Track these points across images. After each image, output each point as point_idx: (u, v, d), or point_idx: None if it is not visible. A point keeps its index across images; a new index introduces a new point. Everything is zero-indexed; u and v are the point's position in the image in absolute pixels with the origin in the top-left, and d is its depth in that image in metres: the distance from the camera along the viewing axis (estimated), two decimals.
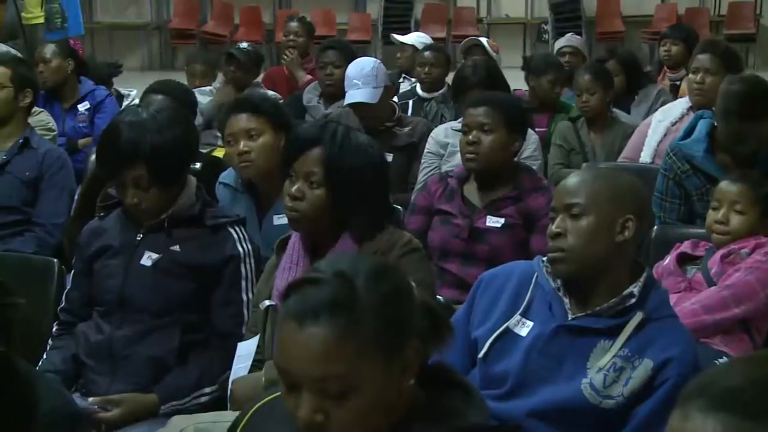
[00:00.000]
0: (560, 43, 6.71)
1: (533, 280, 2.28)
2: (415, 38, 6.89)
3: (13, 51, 5.44)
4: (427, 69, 5.78)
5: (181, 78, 5.69)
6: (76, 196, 3.87)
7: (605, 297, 2.18)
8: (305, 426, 1.41)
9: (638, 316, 2.15)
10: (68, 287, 2.89)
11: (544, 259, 2.29)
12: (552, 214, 2.24)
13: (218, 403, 2.60)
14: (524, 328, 2.23)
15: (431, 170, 4.27)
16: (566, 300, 2.22)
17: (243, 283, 2.73)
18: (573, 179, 2.25)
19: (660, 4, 13.56)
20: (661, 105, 5.38)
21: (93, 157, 4.28)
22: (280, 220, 3.03)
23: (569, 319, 2.20)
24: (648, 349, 2.13)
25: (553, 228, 2.20)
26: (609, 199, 2.19)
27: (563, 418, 2.16)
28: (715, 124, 3.51)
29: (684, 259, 3.14)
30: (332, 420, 1.41)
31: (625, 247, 2.20)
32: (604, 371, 2.13)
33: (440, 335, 1.53)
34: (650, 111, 5.31)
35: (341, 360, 1.39)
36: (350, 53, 5.45)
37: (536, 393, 2.18)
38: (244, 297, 2.72)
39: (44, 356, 2.76)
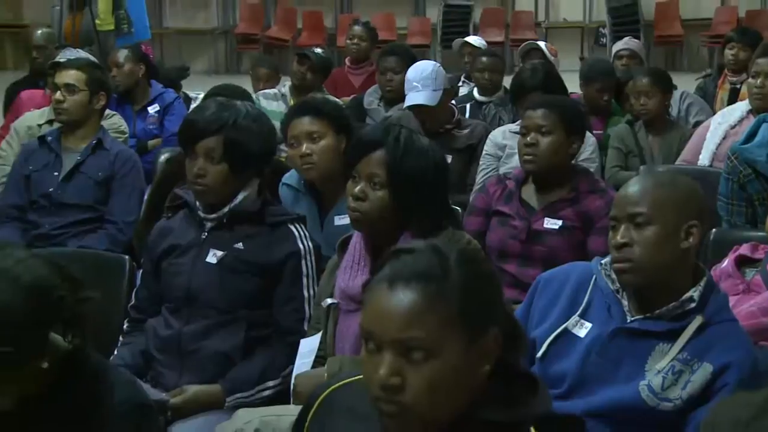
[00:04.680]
0: (618, 46, 6.62)
1: (592, 282, 2.25)
2: (477, 41, 6.89)
3: (89, 56, 5.50)
4: (484, 73, 5.78)
5: (246, 81, 5.73)
6: (145, 196, 3.91)
7: (665, 300, 2.14)
8: (381, 387, 1.42)
9: (698, 320, 2.11)
10: (138, 285, 2.91)
11: (603, 261, 2.26)
12: (613, 223, 2.19)
13: (281, 397, 2.60)
14: (583, 330, 2.21)
15: (489, 172, 4.25)
16: (625, 302, 2.19)
17: (304, 280, 2.73)
18: (634, 187, 2.20)
19: (720, 7, 13.33)
20: (687, 107, 5.34)
21: (162, 157, 4.35)
22: (341, 220, 3.04)
23: (628, 321, 2.17)
24: (707, 353, 2.09)
25: (618, 238, 2.15)
26: (672, 207, 2.14)
27: (620, 419, 2.13)
28: None
29: (742, 262, 3.07)
30: (408, 384, 1.42)
31: (689, 253, 2.16)
32: (663, 374, 2.09)
33: (514, 338, 1.55)
34: (679, 114, 5.31)
35: (425, 325, 1.41)
36: (410, 58, 5.43)
37: (594, 393, 2.15)
38: (306, 293, 2.72)
39: (115, 352, 2.78)
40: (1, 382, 1.58)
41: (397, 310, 1.42)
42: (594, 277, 2.25)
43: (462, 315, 1.43)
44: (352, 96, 6.09)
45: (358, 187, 2.42)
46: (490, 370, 1.48)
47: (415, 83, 4.48)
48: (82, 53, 5.40)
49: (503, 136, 4.34)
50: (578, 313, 2.23)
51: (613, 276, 2.21)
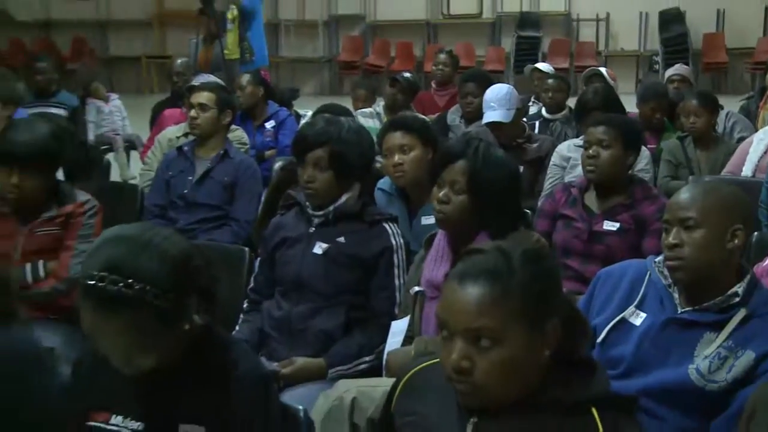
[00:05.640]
0: (670, 71, 6.49)
1: (647, 277, 2.20)
2: (545, 67, 6.83)
3: (218, 80, 5.59)
4: (551, 94, 5.74)
5: (347, 101, 5.75)
6: (262, 198, 3.95)
7: (712, 295, 2.07)
8: (454, 369, 1.43)
9: (741, 312, 2.04)
10: (255, 272, 2.94)
11: (657, 259, 2.21)
12: (666, 226, 2.14)
13: (375, 371, 2.60)
14: (638, 319, 2.16)
15: (555, 180, 4.20)
16: (676, 296, 2.13)
17: (396, 271, 2.72)
18: (685, 194, 2.14)
19: (762, 37, 12.97)
20: (732, 125, 5.23)
21: (277, 165, 4.40)
22: (428, 220, 3.03)
23: (679, 312, 2.11)
24: (751, 342, 2.02)
25: (671, 240, 2.10)
26: (719, 212, 2.08)
27: (671, 398, 2.08)
28: None
29: None
30: (476, 367, 1.42)
31: (734, 253, 2.09)
32: (710, 359, 2.03)
33: (579, 331, 1.54)
34: (724, 131, 5.18)
35: (490, 317, 1.41)
36: (487, 82, 5.39)
37: (647, 375, 2.10)
38: (397, 282, 2.71)
39: (236, 328, 2.81)
40: (151, 340, 1.60)
41: (466, 303, 1.43)
42: (648, 273, 2.21)
43: (524, 308, 1.43)
44: (437, 114, 6.07)
45: (442, 192, 2.42)
46: (550, 356, 1.47)
47: (492, 103, 4.46)
48: (212, 78, 5.50)
49: (568, 149, 4.29)
50: (634, 304, 2.18)
51: (666, 272, 2.16)
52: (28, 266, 3.00)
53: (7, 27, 14.85)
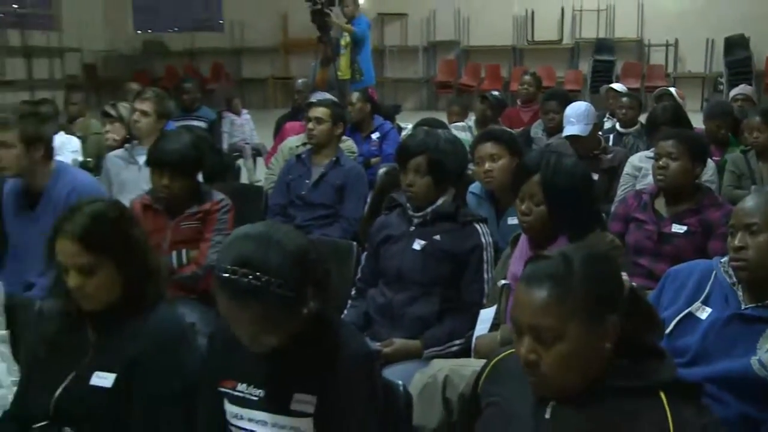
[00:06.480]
0: (735, 91, 6.21)
1: (712, 276, 2.11)
2: (619, 87, 6.64)
3: (332, 98, 5.65)
4: (624, 111, 5.58)
5: (443, 116, 5.71)
6: (368, 200, 3.96)
7: None
8: (523, 361, 1.43)
9: None
10: (362, 264, 2.95)
11: (722, 260, 2.12)
12: (732, 230, 2.06)
13: (465, 353, 2.57)
14: (704, 313, 2.07)
15: (627, 188, 4.07)
16: (740, 293, 2.04)
17: (485, 266, 2.68)
18: (750, 202, 2.06)
19: None
20: None
21: (381, 171, 4.39)
22: (513, 221, 2.97)
23: (742, 308, 2.02)
24: None
25: (736, 243, 2.02)
26: None
27: (733, 386, 1.98)
28: None
29: None
30: (542, 360, 1.41)
31: None
32: None
33: (650, 323, 1.50)
34: None
35: (553, 316, 1.39)
36: (567, 101, 5.26)
37: (712, 364, 2.01)
38: (486, 276, 2.67)
39: (345, 312, 2.82)
40: (274, 324, 1.61)
41: (531, 304, 1.41)
42: (714, 272, 2.12)
43: (583, 307, 1.40)
44: (522, 128, 5.97)
45: (524, 205, 2.36)
46: (611, 348, 1.43)
47: (571, 118, 4.37)
48: (327, 96, 5.55)
49: (639, 160, 4.16)
50: (701, 300, 2.10)
51: (731, 272, 2.08)
52: (174, 254, 3.09)
53: (164, 56, 15.42)
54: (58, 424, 1.83)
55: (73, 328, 1.89)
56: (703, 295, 2.09)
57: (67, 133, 5.32)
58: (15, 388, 2.05)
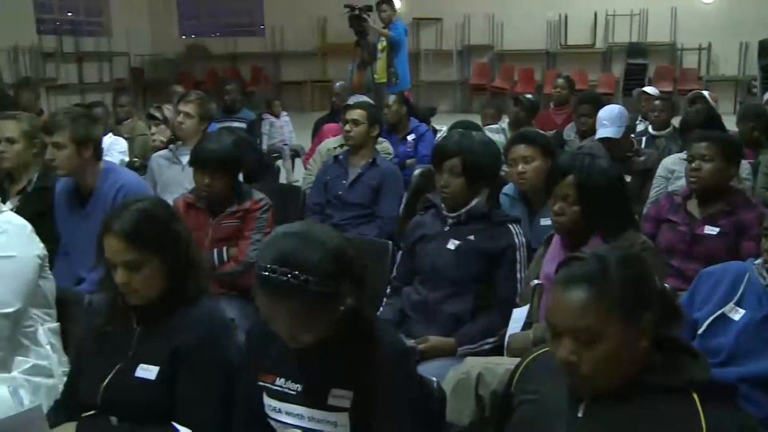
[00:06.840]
0: None
1: (746, 277, 2.07)
2: (652, 90, 6.54)
3: (369, 100, 5.66)
4: (656, 114, 5.49)
5: (477, 118, 5.68)
6: (403, 200, 3.95)
7: None
8: (562, 363, 1.41)
9: None
10: (398, 262, 2.94)
11: (756, 261, 2.08)
12: (765, 232, 2.03)
13: (498, 351, 2.55)
14: (737, 314, 2.03)
15: (660, 189, 4.01)
16: None
17: (518, 265, 2.65)
18: None
19: None
20: None
21: (416, 172, 4.39)
22: (545, 221, 2.94)
23: None
24: None
25: None
26: None
27: (766, 387, 1.94)
28: None
29: None
30: (582, 361, 1.39)
31: None
32: None
33: (672, 316, 1.45)
34: None
35: (591, 316, 1.37)
36: (600, 104, 5.19)
37: (746, 364, 1.98)
38: (519, 275, 2.64)
39: (381, 309, 2.81)
40: (312, 320, 1.61)
41: (569, 306, 1.39)
42: (748, 273, 2.08)
43: (620, 306, 1.37)
44: (554, 130, 5.91)
45: (557, 206, 2.34)
46: (647, 346, 1.40)
47: (604, 121, 4.31)
48: (364, 98, 5.55)
49: (672, 162, 4.09)
50: (734, 301, 2.06)
51: (765, 274, 2.04)
52: (215, 251, 3.11)
53: (206, 60, 15.59)
54: (105, 413, 1.86)
55: (120, 321, 1.91)
56: (737, 297, 2.06)
57: (114, 134, 5.41)
58: (65, 379, 2.09)
